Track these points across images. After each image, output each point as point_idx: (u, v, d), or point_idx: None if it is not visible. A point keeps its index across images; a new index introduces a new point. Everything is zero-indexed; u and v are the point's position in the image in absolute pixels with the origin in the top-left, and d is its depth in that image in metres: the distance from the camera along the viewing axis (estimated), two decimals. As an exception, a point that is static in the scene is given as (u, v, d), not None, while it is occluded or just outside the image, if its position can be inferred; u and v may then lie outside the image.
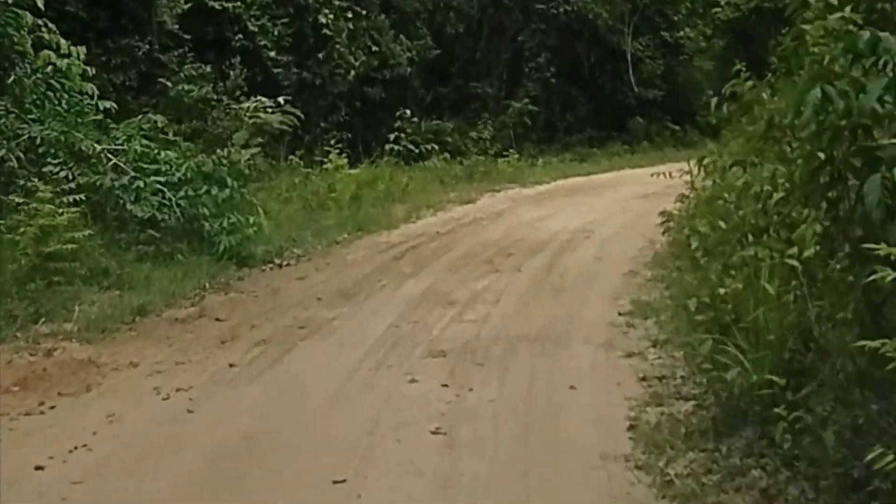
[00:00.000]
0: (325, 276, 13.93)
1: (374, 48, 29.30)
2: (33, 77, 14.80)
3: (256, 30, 25.98)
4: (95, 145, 14.54)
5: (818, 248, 6.41)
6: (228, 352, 9.82)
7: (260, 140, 20.41)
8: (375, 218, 19.20)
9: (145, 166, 14.83)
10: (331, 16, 27.17)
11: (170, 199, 14.42)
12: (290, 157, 22.99)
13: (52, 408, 8.08)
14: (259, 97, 21.20)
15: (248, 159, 16.67)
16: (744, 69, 13.76)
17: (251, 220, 14.79)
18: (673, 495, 6.04)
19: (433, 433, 7.31)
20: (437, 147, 28.57)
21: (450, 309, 11.63)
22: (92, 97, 15.22)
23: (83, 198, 13.51)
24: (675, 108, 39.05)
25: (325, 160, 23.14)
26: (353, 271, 14.30)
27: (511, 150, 30.75)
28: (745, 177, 9.63)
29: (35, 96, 14.78)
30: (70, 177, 13.95)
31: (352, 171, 23.08)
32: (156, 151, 15.22)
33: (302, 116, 21.94)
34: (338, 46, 27.39)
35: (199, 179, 14.99)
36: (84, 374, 9.03)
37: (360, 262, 15.04)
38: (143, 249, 13.76)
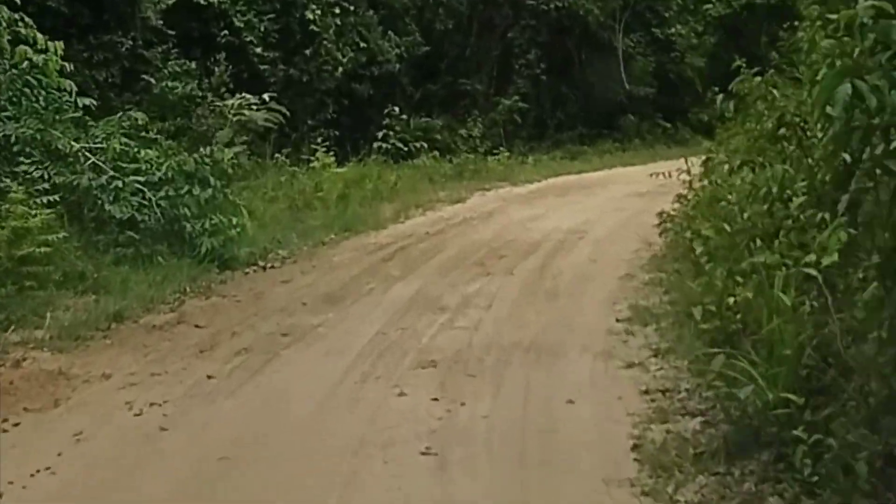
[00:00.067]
0: (311, 279, 13.43)
1: (362, 44, 28.79)
2: (9, 73, 14.27)
3: (242, 25, 25.46)
4: (73, 143, 14.05)
5: (840, 256, 5.94)
6: (207, 362, 9.32)
7: (245, 138, 19.91)
8: (363, 218, 18.68)
9: (125, 165, 14.32)
10: (318, 11, 26.67)
11: (150, 200, 13.91)
12: (276, 155, 22.47)
13: (17, 425, 7.57)
14: (244, 94, 20.70)
15: (232, 158, 16.20)
16: (743, 65, 13.38)
17: (234, 220, 14.29)
18: (684, 526, 5.59)
19: (423, 453, 6.82)
20: (426, 145, 28.09)
21: (440, 315, 11.13)
22: (70, 94, 14.66)
23: (59, 198, 13.05)
24: (667, 105, 38.67)
25: (312, 158, 22.63)
26: (339, 274, 13.80)
27: (501, 148, 30.32)
28: (752, 178, 9.21)
29: (11, 93, 14.23)
30: (46, 176, 13.47)
31: (339, 170, 22.57)
32: (136, 150, 14.70)
33: (288, 114, 21.46)
34: (325, 43, 26.89)
35: (180, 179, 14.49)
36: (53, 387, 8.52)
37: (346, 264, 14.54)
38: (121, 252, 13.26)
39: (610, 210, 19.89)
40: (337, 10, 27.35)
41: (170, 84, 22.23)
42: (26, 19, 14.52)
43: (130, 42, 22.36)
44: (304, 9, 26.35)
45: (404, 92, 31.22)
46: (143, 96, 22.15)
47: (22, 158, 13.55)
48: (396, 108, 27.93)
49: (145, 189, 13.99)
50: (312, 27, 26.54)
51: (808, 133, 7.79)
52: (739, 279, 8.26)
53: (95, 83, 20.62)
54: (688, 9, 39.96)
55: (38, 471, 6.56)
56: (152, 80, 22.24)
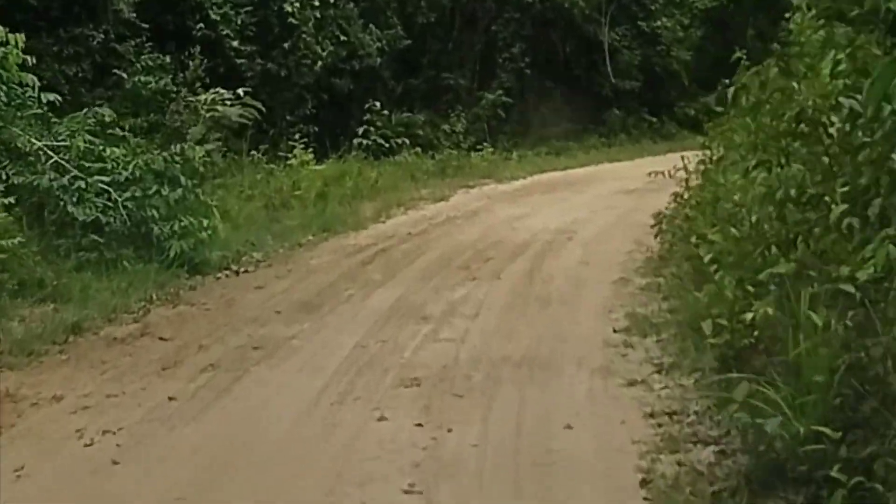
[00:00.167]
0: (286, 285, 12.64)
1: (343, 38, 27.96)
2: (-35, 68, 13.49)
3: (219, 18, 24.62)
4: (34, 141, 13.28)
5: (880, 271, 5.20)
6: (169, 381, 8.53)
7: (218, 135, 19.08)
8: (342, 217, 17.91)
9: (89, 164, 13.52)
10: (297, 4, 25.84)
11: (115, 201, 13.09)
12: (252, 152, 21.66)
13: (-49, 458, 6.80)
14: (217, 89, 19.87)
15: (204, 156, 15.39)
16: (744, 57, 12.62)
17: (205, 222, 13.50)
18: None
19: (406, 492, 6.06)
20: (407, 141, 27.32)
21: (423, 325, 10.36)
22: (33, 89, 13.85)
23: (17, 200, 12.30)
24: (652, 99, 38.31)
25: (290, 155, 21.84)
26: (316, 279, 13.03)
27: (485, 144, 29.63)
28: (763, 178, 8.47)
29: (-33, 89, 13.47)
30: (3, 177, 12.71)
31: (318, 167, 21.80)
32: (101, 148, 13.90)
33: (263, 109, 20.61)
34: (304, 36, 26.08)
35: (149, 178, 13.69)
36: (-3, 411, 7.74)
37: (324, 268, 13.76)
38: (84, 256, 12.43)
39: (599, 208, 19.16)
40: (316, 3, 26.50)
41: (143, 79, 21.40)
42: (-15, 11, 13.77)
43: (102, 35, 21.57)
44: (283, 1, 25.50)
45: (385, 86, 30.46)
46: (115, 91, 21.35)
47: (-23, 157, 12.74)
48: (377, 104, 27.16)
49: (111, 189, 13.19)
50: (291, 20, 25.72)
51: (830, 130, 7.05)
52: (750, 289, 7.56)
53: (65, 78, 19.95)
54: (674, 2, 39.35)
55: (-33, 516, 5.80)
56: (124, 75, 21.40)
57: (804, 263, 6.62)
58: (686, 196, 12.94)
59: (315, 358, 9.20)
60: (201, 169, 15.32)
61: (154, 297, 11.74)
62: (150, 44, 22.62)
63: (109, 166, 13.67)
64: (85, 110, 15.15)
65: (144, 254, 13.00)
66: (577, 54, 36.34)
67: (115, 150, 14.08)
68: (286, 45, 25.84)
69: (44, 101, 13.97)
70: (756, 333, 6.81)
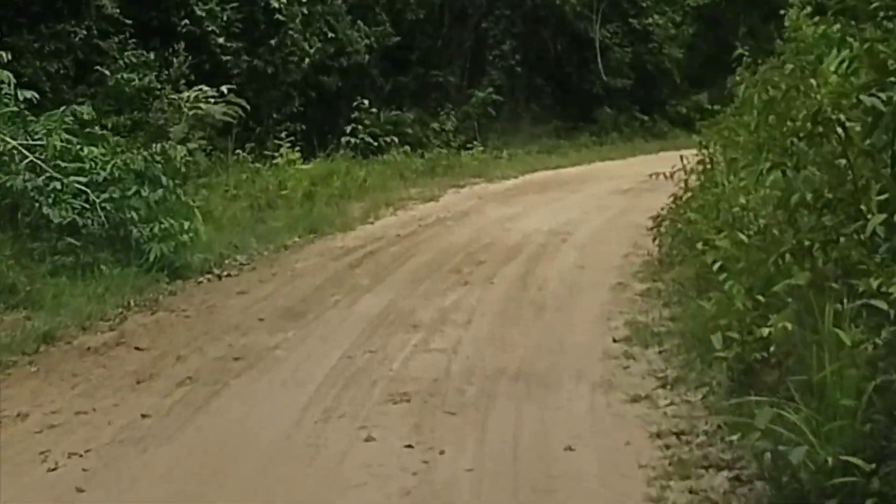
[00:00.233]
0: (270, 290, 12.14)
1: (330, 34, 27.39)
2: (-68, 65, 12.99)
3: (204, 15, 24.03)
4: (8, 140, 12.72)
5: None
6: (143, 395, 8.03)
7: (202, 133, 18.55)
8: (329, 218, 17.38)
9: (66, 164, 12.98)
10: (284, 0, 25.37)
11: (93, 202, 12.58)
12: (238, 151, 21.12)
13: None
14: (201, 86, 19.33)
15: (185, 155, 14.84)
16: (746, 53, 12.18)
17: (186, 224, 12.99)
18: None
19: (396, 524, 5.59)
20: (396, 139, 26.75)
21: (413, 333, 9.86)
22: (9, 85, 13.33)
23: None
24: (644, 97, 37.86)
25: (276, 154, 21.30)
26: (302, 283, 12.53)
27: (475, 142, 29.11)
28: (772, 181, 8.01)
29: (-65, 87, 12.95)
30: (-26, 178, 12.17)
31: (305, 166, 21.24)
32: (79, 147, 13.38)
33: (248, 107, 20.03)
34: (291, 32, 25.52)
35: (129, 179, 13.19)
36: (-43, 431, 7.23)
37: (310, 272, 13.26)
38: (59, 260, 11.89)
39: (593, 209, 18.65)
40: (304, -1, 26.10)
41: (126, 76, 20.83)
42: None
43: (84, 32, 20.97)
44: (269, -4, 25.08)
45: (374, 84, 29.89)
46: (97, 89, 20.80)
47: (-53, 158, 12.22)
48: (366, 101, 26.60)
49: (88, 190, 12.68)
50: (278, 16, 25.16)
51: (850, 132, 6.58)
52: (761, 298, 7.10)
53: (47, 75, 19.37)
54: (666, -1, 39.08)
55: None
56: (107, 72, 20.86)
57: (824, 274, 6.15)
58: (686, 197, 12.47)
59: (299, 370, 8.71)
60: (183, 169, 14.78)
61: (132, 303, 11.26)
62: (133, 40, 22.01)
63: (87, 166, 13.18)
64: (63, 108, 14.59)
65: (123, 257, 12.47)
66: (568, 52, 35.97)
67: (94, 149, 13.59)
68: (273, 41, 25.26)
69: (20, 98, 13.44)
70: (773, 350, 6.33)
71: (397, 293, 11.75)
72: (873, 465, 4.74)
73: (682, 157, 13.49)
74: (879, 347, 5.19)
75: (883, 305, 5.02)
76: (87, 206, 12.55)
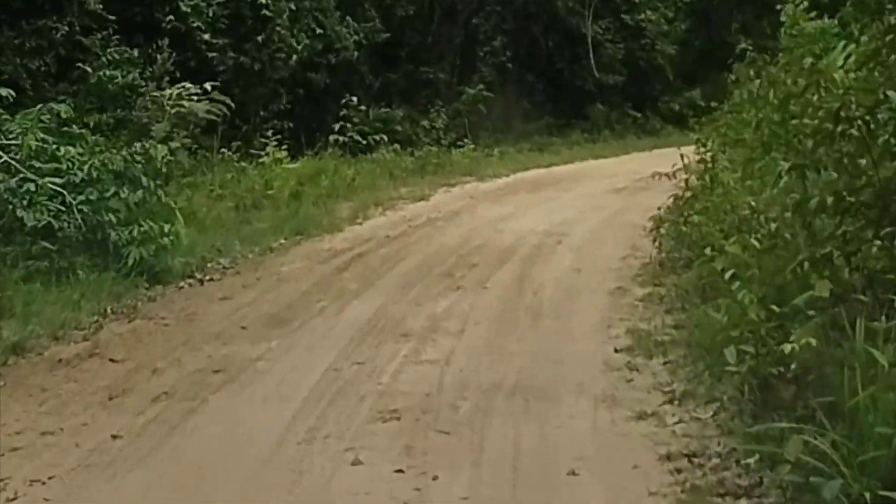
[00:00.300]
0: (254, 296, 11.62)
1: (319, 31, 26.96)
2: None
3: (189, 10, 23.53)
4: (-20, 140, 12.25)
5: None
6: (115, 413, 7.51)
7: (186, 132, 18.03)
8: (317, 219, 16.86)
9: (41, 165, 12.45)
10: (271, -5, 24.94)
11: (69, 204, 12.04)
12: (223, 149, 20.61)
13: None
14: (183, 83, 18.80)
15: (166, 155, 14.31)
16: (750, 49, 11.70)
17: (167, 227, 12.46)
18: None
19: (385, 564, 5.08)
20: (385, 137, 26.29)
21: (403, 343, 9.34)
22: (-18, 83, 12.85)
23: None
24: (636, 94, 37.75)
25: (262, 153, 20.79)
26: (287, 288, 12.02)
27: (466, 140, 28.68)
28: (786, 183, 7.55)
29: None
30: (-55, 178, 11.65)
31: (292, 165, 20.73)
32: (55, 147, 12.85)
33: (232, 105, 19.52)
34: (278, 29, 25.04)
35: (108, 179, 12.65)
36: None
37: (296, 276, 12.74)
38: (33, 265, 11.36)
39: (587, 208, 18.15)
40: (291, -6, 25.62)
41: (109, 73, 20.36)
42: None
43: (66, 28, 20.50)
44: (256, -8, 24.60)
45: (363, 81, 29.53)
46: (80, 86, 20.35)
47: (-86, 158, 11.70)
48: (354, 99, 26.10)
49: (65, 192, 12.13)
50: (265, 12, 24.66)
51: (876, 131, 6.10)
52: (775, 308, 6.62)
53: (28, 72, 19.03)
54: (658, -6, 38.76)
55: None
56: (89, 69, 20.37)
57: (850, 285, 5.66)
58: (687, 198, 12.00)
59: (282, 384, 8.19)
60: (164, 169, 14.27)
61: (108, 310, 10.73)
62: (117, 36, 21.56)
63: (64, 167, 12.64)
64: (39, 106, 14.06)
65: (100, 262, 11.92)
66: (559, 48, 35.87)
67: (71, 149, 13.05)
68: (260, 37, 24.79)
69: (-5, 96, 12.96)
70: (793, 366, 5.84)
71: (387, 299, 11.25)
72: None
73: (682, 156, 13.02)
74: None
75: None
76: (64, 208, 12.02)
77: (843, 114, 6.01)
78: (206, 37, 23.62)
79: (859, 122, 6.05)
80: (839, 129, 6.11)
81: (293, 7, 25.60)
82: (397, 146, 26.31)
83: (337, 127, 25.20)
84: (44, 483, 6.15)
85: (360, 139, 25.47)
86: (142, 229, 12.24)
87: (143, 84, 20.43)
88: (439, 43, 32.81)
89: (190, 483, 6.22)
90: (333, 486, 6.07)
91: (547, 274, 12.45)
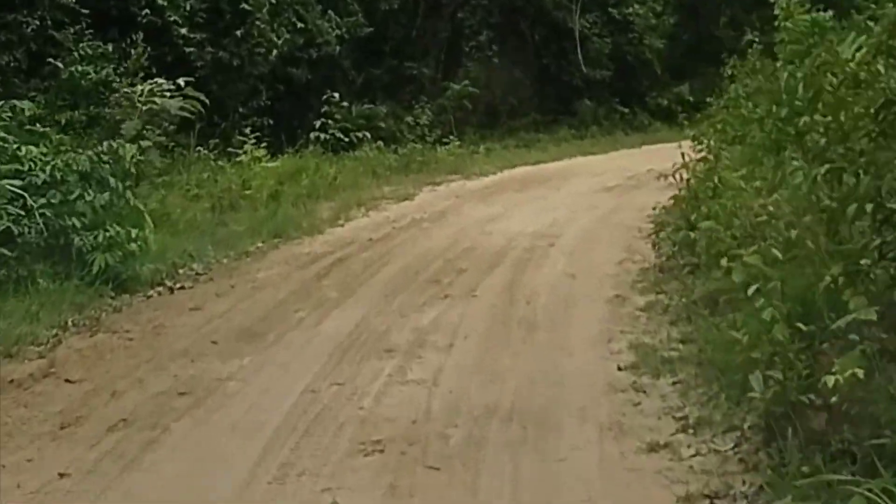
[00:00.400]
0: (227, 306, 10.83)
1: (299, 25, 26.36)
2: None
3: (166, 4, 22.79)
4: (-67, 140, 11.49)
5: None
6: (65, 445, 6.73)
7: (159, 130, 17.24)
8: (296, 220, 16.08)
9: (0, 166, 11.69)
10: (250, -12, 24.25)
11: (31, 208, 11.28)
12: (199, 147, 19.85)
13: None
14: (155, 79, 18.02)
15: (135, 154, 13.53)
16: (757, 40, 11.10)
17: (134, 232, 11.69)
18: None
19: None
20: (368, 134, 25.58)
21: (387, 360, 8.58)
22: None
23: None
24: (624, 89, 37.08)
25: (240, 151, 20.03)
26: (263, 297, 11.25)
27: (451, 137, 28.00)
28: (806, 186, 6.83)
29: None
30: None
31: (271, 164, 19.99)
32: (16, 146, 12.07)
33: (207, 101, 18.73)
34: (258, 23, 24.37)
35: (73, 181, 11.92)
36: None
37: (273, 283, 11.98)
38: (-10, 274, 10.63)
39: (579, 208, 17.39)
40: (271, -13, 24.93)
41: (82, 68, 19.58)
42: None
43: (38, 22, 19.82)
44: (235, -15, 23.90)
45: (345, 77, 28.93)
46: (51, 82, 19.60)
47: None
48: (336, 95, 25.42)
49: (25, 194, 11.36)
50: (244, 5, 24.00)
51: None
52: (803, 327, 5.91)
53: (-4, 68, 18.13)
54: (646, -13, 38.17)
55: None
56: (60, 65, 19.60)
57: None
58: (689, 199, 11.29)
59: (253, 409, 7.43)
60: (133, 170, 13.48)
61: (69, 323, 9.95)
62: (90, 31, 20.80)
63: (26, 167, 11.85)
64: (1, 103, 13.31)
65: (63, 269, 11.15)
66: (546, 42, 35.29)
67: (33, 148, 12.26)
68: (239, 32, 24.12)
69: (-44, 93, 12.22)
70: (836, 399, 5.11)
71: (369, 308, 10.50)
72: None
73: (683, 155, 12.34)
74: None
75: None
76: (24, 212, 11.24)
77: (886, 110, 5.26)
78: (184, 31, 23.02)
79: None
80: (884, 126, 5.37)
81: (273, 1, 24.97)
82: (381, 143, 25.63)
83: (318, 124, 24.52)
84: (-25, 536, 5.40)
85: (342, 136, 24.78)
86: (108, 234, 11.51)
87: (118, 80, 19.70)
88: (424, 37, 32.15)
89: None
90: (307, 537, 5.32)
91: (540, 280, 11.72)
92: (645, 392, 7.45)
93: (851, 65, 6.91)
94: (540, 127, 33.61)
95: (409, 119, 29.03)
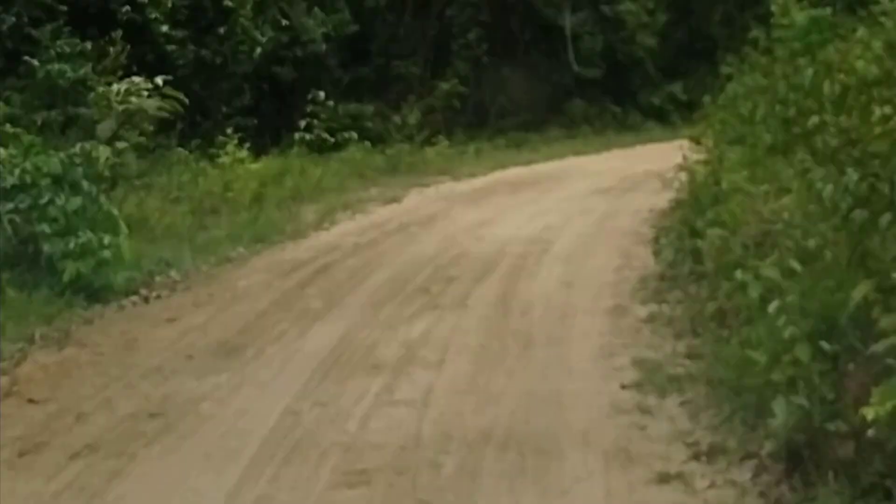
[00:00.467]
0: (204, 317, 10.27)
1: (284, 22, 26.09)
2: None
3: (146, 1, 22.40)
4: None
5: None
6: (23, 476, 6.13)
7: (138, 131, 16.71)
8: (279, 225, 15.55)
9: (-36, 171, 11.21)
10: (233, -15, 23.85)
11: (-4, 214, 10.80)
12: (179, 148, 19.35)
13: None
14: (132, 78, 17.49)
15: (109, 157, 12.99)
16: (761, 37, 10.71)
17: (107, 238, 11.13)
18: None
19: None
20: (355, 134, 25.07)
21: (374, 377, 8.02)
22: None
23: None
24: (615, 88, 36.53)
25: (222, 152, 19.50)
26: (243, 308, 10.68)
27: (440, 137, 27.46)
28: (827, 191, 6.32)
29: None
30: None
31: (254, 165, 19.50)
32: (-18, 149, 11.59)
33: (186, 101, 18.21)
34: (241, 20, 24.08)
35: (44, 185, 11.37)
36: None
37: (254, 293, 11.42)
38: (-48, 284, 10.08)
39: (573, 212, 16.86)
40: (255, -16, 24.55)
41: (59, 67, 19.06)
42: None
43: (14, 18, 19.53)
44: (217, -19, 23.49)
45: (331, 75, 28.67)
46: (28, 81, 19.09)
47: None
48: (322, 94, 24.82)
49: (-8, 200, 10.88)
50: (227, 3, 23.74)
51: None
52: (826, 347, 5.40)
53: (-31, 67, 17.72)
54: (638, -16, 37.78)
55: None
56: (36, 63, 19.07)
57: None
58: (692, 202, 10.79)
59: (229, 433, 6.86)
60: (107, 173, 12.95)
61: (37, 336, 9.34)
62: (68, 28, 20.32)
63: (-8, 171, 11.37)
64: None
65: (31, 278, 10.65)
66: (536, 41, 34.93)
67: (2, 150, 11.83)
68: (222, 29, 23.92)
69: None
70: (872, 432, 4.59)
71: (354, 320, 9.95)
72: None
73: (684, 156, 11.84)
74: None
75: None
76: (-12, 219, 10.74)
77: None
78: (165, 29, 22.79)
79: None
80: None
81: (257, -2, 24.64)
82: (367, 144, 25.20)
83: (303, 124, 23.99)
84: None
85: (328, 136, 24.20)
86: (80, 241, 10.93)
87: (96, 79, 19.20)
88: (412, 36, 32.00)
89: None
90: (283, 588, 4.77)
91: (535, 289, 11.18)
92: (651, 414, 6.90)
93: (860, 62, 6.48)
94: (530, 126, 33.06)
95: (397, 119, 28.50)
